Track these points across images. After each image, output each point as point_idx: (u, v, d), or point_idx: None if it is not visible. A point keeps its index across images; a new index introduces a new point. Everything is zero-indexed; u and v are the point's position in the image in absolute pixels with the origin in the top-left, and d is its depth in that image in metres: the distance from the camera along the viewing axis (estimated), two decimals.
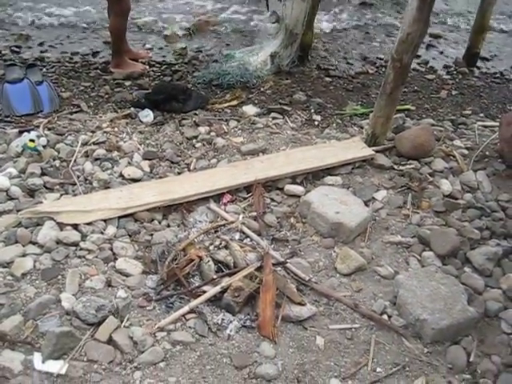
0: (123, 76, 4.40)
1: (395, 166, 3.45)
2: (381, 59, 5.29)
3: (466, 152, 3.66)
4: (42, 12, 5.73)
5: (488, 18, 5.18)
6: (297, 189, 3.15)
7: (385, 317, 2.47)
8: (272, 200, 3.10)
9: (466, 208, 3.13)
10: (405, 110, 4.22)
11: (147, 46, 5.03)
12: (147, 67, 4.59)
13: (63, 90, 4.20)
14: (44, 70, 4.49)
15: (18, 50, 4.95)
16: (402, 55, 3.21)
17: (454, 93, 4.82)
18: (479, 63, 5.43)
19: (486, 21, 5.19)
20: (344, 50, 5.36)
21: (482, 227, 2.96)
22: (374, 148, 3.50)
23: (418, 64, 5.31)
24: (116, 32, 4.39)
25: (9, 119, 3.73)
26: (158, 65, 4.71)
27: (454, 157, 3.59)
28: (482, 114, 4.40)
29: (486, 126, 4.11)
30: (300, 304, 2.43)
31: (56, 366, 2.09)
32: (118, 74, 4.42)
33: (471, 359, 2.30)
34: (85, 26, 5.52)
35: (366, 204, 3.08)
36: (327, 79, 4.71)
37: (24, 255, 2.56)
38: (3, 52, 4.88)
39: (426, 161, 3.52)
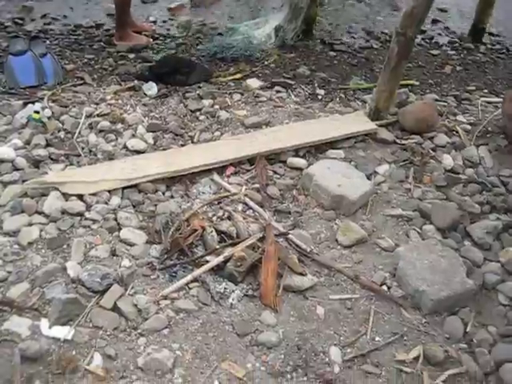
0: (127, 49, 4.38)
1: (398, 141, 3.46)
2: (385, 34, 5.25)
3: (468, 127, 3.67)
4: None
5: None
6: (299, 162, 3.18)
7: (384, 288, 2.51)
8: (275, 172, 3.13)
9: (468, 183, 3.15)
10: (408, 85, 4.21)
11: (151, 18, 5.00)
12: (151, 40, 4.56)
13: (67, 62, 4.19)
14: (47, 42, 4.47)
15: (21, 22, 4.92)
16: (406, 29, 3.20)
17: (458, 68, 4.79)
18: (485, 39, 5.39)
19: None
20: (349, 25, 5.32)
21: (482, 202, 2.99)
22: (377, 122, 3.51)
23: (423, 39, 5.27)
24: (120, 4, 4.34)
25: (13, 91, 3.73)
26: (161, 38, 4.68)
27: (457, 132, 3.60)
28: (485, 90, 4.38)
29: (489, 102, 4.11)
30: (301, 274, 2.48)
31: (62, 332, 2.14)
32: (122, 47, 4.40)
33: (468, 329, 2.34)
34: None
35: (368, 178, 3.11)
36: (331, 53, 4.69)
37: (30, 225, 2.60)
38: (6, 24, 4.86)
39: (429, 135, 3.53)
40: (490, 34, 5.51)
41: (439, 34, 5.49)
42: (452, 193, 3.07)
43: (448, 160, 3.32)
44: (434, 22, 5.67)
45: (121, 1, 4.32)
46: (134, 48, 4.40)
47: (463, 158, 3.37)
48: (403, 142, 3.46)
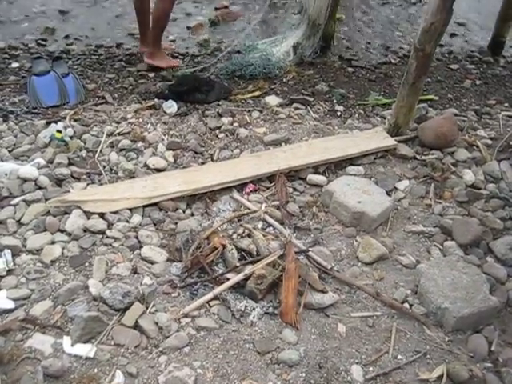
0: (147, 67, 4.42)
1: (418, 156, 3.45)
2: (403, 49, 5.24)
3: (489, 142, 3.64)
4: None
5: None
6: (319, 178, 3.18)
7: (406, 305, 2.49)
8: (294, 189, 3.13)
9: (489, 198, 3.12)
10: (428, 100, 4.20)
11: (170, 37, 5.06)
12: (180, 62, 4.52)
13: (88, 81, 4.26)
14: (69, 62, 4.55)
15: (43, 43, 5.02)
16: (424, 45, 3.20)
17: (478, 82, 4.76)
18: (505, 52, 5.35)
19: None
20: (366, 40, 5.33)
21: (505, 217, 2.96)
22: (397, 138, 3.51)
23: (442, 53, 5.25)
24: (161, 18, 4.20)
25: (36, 111, 3.80)
26: (181, 56, 4.73)
27: (478, 147, 3.57)
28: (506, 104, 4.34)
29: (510, 116, 4.08)
30: (322, 292, 2.47)
31: (84, 349, 2.16)
32: (143, 66, 4.44)
33: (493, 348, 2.31)
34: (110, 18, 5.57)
35: (388, 194, 3.10)
36: (350, 69, 4.70)
37: (53, 243, 2.65)
38: (30, 45, 4.96)
39: (449, 151, 3.52)
40: (511, 46, 5.46)
41: (458, 48, 5.46)
42: (474, 208, 3.04)
43: (469, 175, 3.29)
44: (453, 35, 5.65)
45: (161, 13, 4.19)
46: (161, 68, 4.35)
47: (484, 172, 3.34)
48: (423, 157, 3.44)
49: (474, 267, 2.58)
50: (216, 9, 5.66)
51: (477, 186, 3.23)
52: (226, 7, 5.67)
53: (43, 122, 3.58)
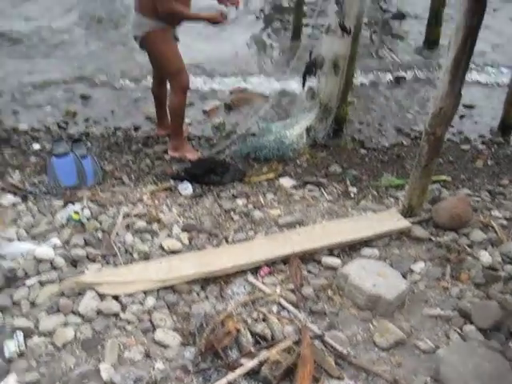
0: (163, 149, 4.53)
1: (433, 238, 3.43)
2: (415, 130, 5.35)
3: (504, 223, 3.63)
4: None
5: None
6: (334, 261, 3.16)
7: None
8: (309, 272, 3.11)
9: (508, 280, 3.07)
10: (440, 181, 4.23)
11: (186, 120, 5.22)
12: (200, 154, 4.55)
13: (106, 163, 4.37)
14: (89, 144, 4.69)
15: (64, 125, 5.21)
16: (435, 128, 3.26)
17: (490, 163, 4.81)
18: None
19: None
20: (378, 122, 5.46)
21: None
22: (411, 219, 3.51)
23: (453, 134, 5.34)
24: (176, 111, 4.34)
25: (55, 191, 3.88)
26: (196, 139, 4.87)
27: (493, 227, 3.56)
28: None
29: None
30: (338, 378, 2.40)
31: None
32: (159, 148, 4.55)
33: None
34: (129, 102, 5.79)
35: (404, 276, 3.06)
36: (362, 151, 4.79)
37: (65, 325, 2.63)
38: (51, 128, 5.15)
39: (464, 232, 3.50)
40: None
41: (468, 129, 5.55)
42: (492, 291, 2.99)
43: (485, 256, 3.26)
44: (462, 117, 5.76)
45: (176, 106, 4.31)
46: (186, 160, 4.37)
47: (501, 254, 3.30)
48: (438, 238, 3.43)
49: (497, 353, 2.50)
50: (231, 92, 5.87)
51: (494, 268, 3.18)
52: (241, 91, 5.88)
53: (61, 202, 3.64)
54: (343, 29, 4.21)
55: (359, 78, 6.25)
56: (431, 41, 7.60)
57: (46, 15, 8.19)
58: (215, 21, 4.09)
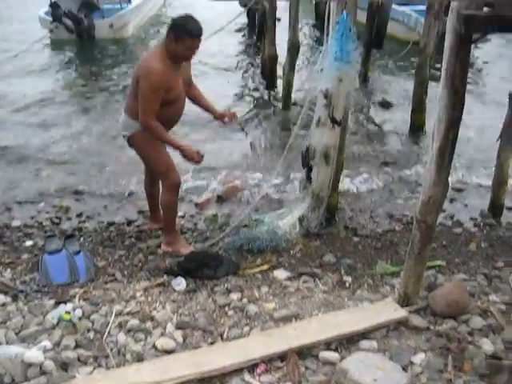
0: (157, 244, 4.53)
1: (431, 327, 3.36)
2: (406, 216, 5.39)
3: (503, 307, 3.58)
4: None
5: (507, 172, 5.31)
6: (332, 355, 3.07)
7: None
8: (307, 368, 3.01)
9: None
10: (435, 266, 4.21)
11: (179, 213, 5.25)
12: (193, 248, 4.52)
13: (99, 258, 4.35)
14: (81, 239, 4.69)
15: (57, 221, 5.23)
16: (425, 216, 3.29)
17: (483, 245, 4.81)
18: (506, 213, 5.47)
19: (506, 174, 5.32)
20: (369, 209, 5.51)
21: None
22: (408, 308, 3.46)
23: (444, 218, 5.38)
24: (168, 209, 4.35)
25: (46, 289, 3.83)
26: (189, 231, 4.88)
27: (492, 313, 3.51)
28: None
29: None
30: None
31: None
32: (152, 242, 4.55)
33: None
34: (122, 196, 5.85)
35: (405, 369, 2.97)
36: (355, 239, 4.80)
37: None
38: (44, 224, 5.17)
39: (463, 319, 3.43)
40: (509, 208, 5.58)
41: (459, 212, 5.60)
42: (498, 381, 2.90)
43: (487, 344, 3.18)
44: (452, 200, 5.83)
45: (168, 204, 4.32)
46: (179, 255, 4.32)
47: (503, 341, 3.23)
48: (437, 327, 3.36)
49: None
50: (223, 184, 5.95)
51: (497, 357, 3.10)
52: (232, 182, 5.96)
53: (52, 301, 3.58)
54: (334, 121, 4.34)
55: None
56: (416, 127, 7.83)
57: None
58: (190, 159, 4.08)
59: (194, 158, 4.07)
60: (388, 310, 3.43)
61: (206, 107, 4.48)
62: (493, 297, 3.74)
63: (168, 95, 3.94)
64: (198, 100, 4.43)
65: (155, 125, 3.94)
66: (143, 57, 4.12)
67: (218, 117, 4.50)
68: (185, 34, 3.80)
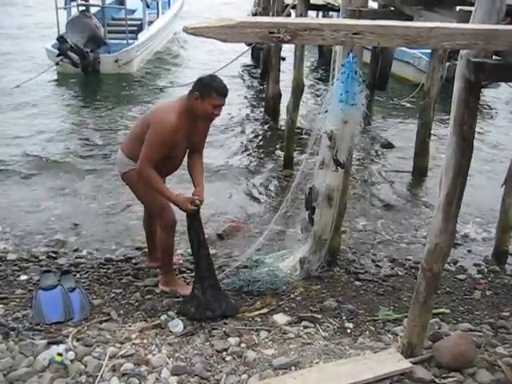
0: (154, 283, 4.43)
1: (436, 380, 3.24)
2: (409, 260, 5.31)
3: (511, 361, 3.46)
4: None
5: (510, 218, 5.26)
6: None
7: None
8: None
9: None
10: (439, 314, 4.11)
11: (178, 251, 5.16)
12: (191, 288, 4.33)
13: (95, 296, 4.24)
14: (77, 275, 4.59)
15: (54, 255, 5.14)
16: (431, 265, 3.21)
17: (488, 293, 4.72)
18: (510, 260, 5.39)
19: (510, 219, 5.26)
20: (372, 253, 5.43)
21: None
22: (412, 359, 3.34)
23: (448, 263, 5.28)
24: (164, 250, 4.27)
25: (39, 327, 3.73)
26: (188, 271, 4.77)
27: (500, 367, 3.39)
28: None
29: None
30: None
31: None
32: (150, 281, 4.46)
33: None
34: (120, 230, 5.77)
35: None
36: (357, 283, 4.69)
37: None
38: (40, 257, 5.08)
39: (469, 372, 3.31)
40: None
41: (463, 258, 5.52)
42: None
43: None
44: (456, 245, 5.74)
45: (164, 243, 4.24)
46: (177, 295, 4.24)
47: None
48: (442, 380, 3.24)
49: None
50: (223, 223, 5.88)
51: None
52: (233, 221, 5.90)
53: (44, 341, 3.47)
54: (337, 163, 4.29)
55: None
56: (419, 169, 7.80)
57: None
58: (183, 210, 3.94)
59: (187, 209, 3.93)
60: (391, 361, 3.32)
61: (193, 182, 4.23)
62: (500, 349, 3.62)
63: (171, 151, 3.91)
64: (191, 171, 4.23)
65: (152, 174, 3.84)
66: (161, 105, 4.12)
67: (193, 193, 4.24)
68: (211, 91, 3.79)
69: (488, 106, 11.85)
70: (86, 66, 12.66)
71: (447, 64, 8.73)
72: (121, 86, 12.56)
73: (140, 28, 14.56)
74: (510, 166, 5.11)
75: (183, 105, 3.90)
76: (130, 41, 13.49)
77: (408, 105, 11.14)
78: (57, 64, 12.59)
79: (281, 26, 2.26)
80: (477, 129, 3.02)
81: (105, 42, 13.18)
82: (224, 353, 3.49)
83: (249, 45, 11.16)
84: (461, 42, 2.49)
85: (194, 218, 3.96)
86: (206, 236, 4.18)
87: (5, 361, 3.26)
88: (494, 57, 2.91)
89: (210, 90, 3.80)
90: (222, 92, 3.85)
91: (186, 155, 4.21)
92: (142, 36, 14.25)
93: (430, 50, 7.74)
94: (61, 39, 12.33)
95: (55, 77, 12.83)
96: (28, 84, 11.38)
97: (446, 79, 8.10)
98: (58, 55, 12.38)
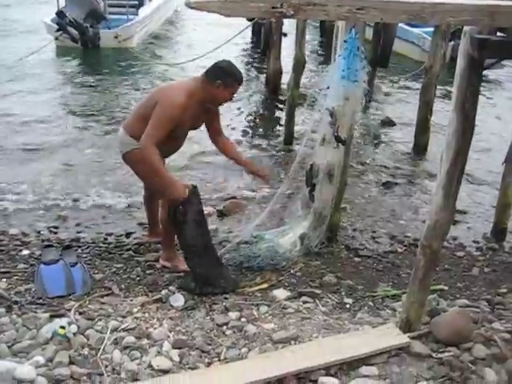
0: (155, 258, 4.47)
1: (433, 354, 3.28)
2: (408, 237, 5.33)
3: (507, 336, 3.50)
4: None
5: (511, 195, 5.27)
6: (331, 381, 2.99)
7: None
8: None
9: None
10: (437, 291, 4.14)
11: None
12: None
13: (96, 271, 4.27)
14: (79, 250, 4.62)
15: (55, 230, 5.17)
16: (431, 241, 3.22)
17: (486, 270, 4.76)
18: (509, 237, 5.42)
19: (509, 198, 5.29)
20: (372, 229, 5.45)
21: None
22: (410, 334, 3.37)
23: (447, 241, 5.30)
24: (166, 228, 4.27)
25: (41, 301, 3.76)
26: None
27: (496, 342, 3.43)
28: None
29: None
30: None
31: None
32: (151, 256, 4.49)
33: None
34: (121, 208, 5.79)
35: None
36: (356, 259, 4.73)
37: None
38: (42, 232, 5.11)
39: (466, 347, 3.34)
40: None
41: (462, 235, 5.54)
42: None
43: (491, 375, 3.09)
44: (456, 222, 5.75)
45: (167, 229, 4.23)
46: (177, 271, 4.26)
47: (507, 371, 3.16)
48: (439, 355, 3.27)
49: None
50: (224, 200, 5.89)
51: None
52: (234, 197, 5.91)
53: (47, 315, 3.50)
54: (338, 140, 4.29)
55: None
56: (419, 147, 7.79)
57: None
58: (176, 195, 3.84)
59: (180, 195, 3.84)
60: (389, 335, 3.35)
61: (237, 161, 4.48)
62: (496, 324, 3.65)
63: (175, 130, 3.89)
64: (226, 153, 4.43)
65: (153, 151, 3.77)
66: (171, 84, 4.13)
67: (251, 172, 4.51)
68: (235, 81, 3.95)
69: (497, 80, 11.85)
70: (86, 42, 12.57)
71: (451, 43, 8.68)
72: (120, 60, 12.49)
73: (141, 3, 14.41)
74: (511, 143, 5.10)
75: (194, 87, 3.93)
76: (130, 16, 13.36)
77: (409, 83, 11.09)
78: (56, 39, 12.50)
79: (284, 0, 2.24)
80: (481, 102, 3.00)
81: (105, 17, 13.05)
82: (224, 327, 3.52)
83: (250, 20, 11.04)
84: (465, 18, 2.48)
85: (194, 194, 3.96)
86: (206, 212, 4.20)
87: (9, 333, 3.29)
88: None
89: (233, 80, 3.93)
90: (241, 81, 4.04)
91: (211, 142, 4.38)
92: (143, 11, 14.12)
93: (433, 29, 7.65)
94: (60, 14, 12.21)
95: (55, 51, 12.75)
96: (30, 58, 11.31)
97: (452, 58, 8.05)
98: (58, 30, 12.28)
